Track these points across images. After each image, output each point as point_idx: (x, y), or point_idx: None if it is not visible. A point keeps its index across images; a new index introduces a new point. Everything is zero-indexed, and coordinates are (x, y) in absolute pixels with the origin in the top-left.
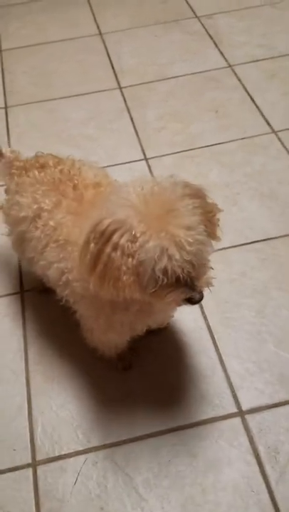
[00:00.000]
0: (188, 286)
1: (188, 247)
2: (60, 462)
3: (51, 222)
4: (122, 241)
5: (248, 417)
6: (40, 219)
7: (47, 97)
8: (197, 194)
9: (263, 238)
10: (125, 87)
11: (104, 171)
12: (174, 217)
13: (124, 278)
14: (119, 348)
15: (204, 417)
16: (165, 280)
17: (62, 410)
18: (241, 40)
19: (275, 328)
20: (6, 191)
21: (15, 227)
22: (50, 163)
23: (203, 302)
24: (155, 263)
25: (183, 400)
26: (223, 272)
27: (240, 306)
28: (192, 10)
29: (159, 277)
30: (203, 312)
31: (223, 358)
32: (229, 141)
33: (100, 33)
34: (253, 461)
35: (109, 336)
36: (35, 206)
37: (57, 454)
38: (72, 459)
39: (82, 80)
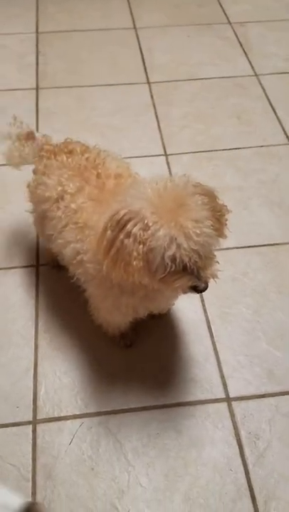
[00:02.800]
0: (194, 275)
1: (195, 238)
2: (58, 423)
3: (73, 205)
4: (135, 229)
5: (234, 403)
6: (63, 201)
7: (77, 83)
8: (207, 194)
9: (268, 243)
10: (154, 83)
11: (126, 163)
12: (184, 211)
13: (135, 263)
14: (122, 328)
15: (194, 398)
16: (173, 267)
17: (65, 377)
18: (270, 51)
19: (269, 327)
20: (34, 171)
21: (38, 205)
22: (78, 150)
23: (204, 296)
24: (164, 250)
25: (176, 381)
26: (226, 270)
27: (239, 304)
28: (226, 16)
29: (167, 264)
30: (203, 305)
31: (218, 348)
32: (247, 148)
33: (135, 27)
34: (234, 443)
35: (114, 316)
36: (59, 188)
37: (56, 416)
38: (69, 421)
39: (112, 71)
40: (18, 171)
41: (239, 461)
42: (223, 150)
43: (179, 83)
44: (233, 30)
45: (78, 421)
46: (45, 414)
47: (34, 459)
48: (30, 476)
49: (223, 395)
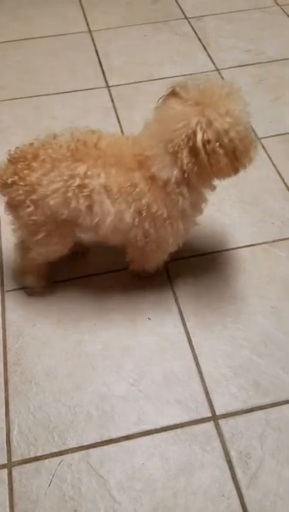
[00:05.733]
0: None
1: (228, 119)
2: (35, 464)
3: (102, 181)
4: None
5: (221, 421)
6: (86, 188)
7: (33, 93)
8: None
9: (243, 245)
10: (113, 86)
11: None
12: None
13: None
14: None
15: (178, 420)
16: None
17: (39, 412)
18: (229, 44)
19: (251, 334)
20: (8, 206)
21: (61, 211)
22: (43, 151)
23: (182, 306)
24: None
25: (158, 403)
26: (203, 277)
27: (219, 311)
28: (182, 11)
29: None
30: (182, 316)
31: (200, 361)
32: None
33: (90, 31)
34: (225, 466)
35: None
36: (77, 181)
37: (32, 456)
38: (47, 460)
39: (69, 78)
40: None
41: (231, 484)
42: None
43: (140, 84)
44: (191, 25)
45: (57, 459)
46: (21, 456)
47: (12, 507)
48: None
49: (208, 414)
